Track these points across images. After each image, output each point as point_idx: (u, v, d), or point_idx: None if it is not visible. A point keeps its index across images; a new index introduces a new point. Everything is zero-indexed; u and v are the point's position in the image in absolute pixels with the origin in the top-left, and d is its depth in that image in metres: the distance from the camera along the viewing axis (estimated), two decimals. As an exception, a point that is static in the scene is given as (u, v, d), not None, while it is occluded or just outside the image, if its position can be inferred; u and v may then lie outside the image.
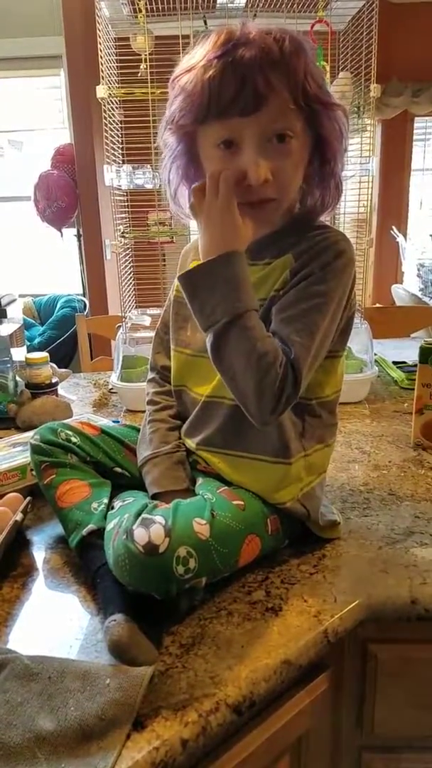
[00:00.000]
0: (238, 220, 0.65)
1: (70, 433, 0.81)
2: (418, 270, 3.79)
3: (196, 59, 0.64)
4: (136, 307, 1.47)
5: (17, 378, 1.25)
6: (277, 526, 0.72)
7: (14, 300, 1.26)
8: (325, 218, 0.75)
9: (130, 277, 1.44)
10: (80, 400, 1.39)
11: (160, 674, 0.56)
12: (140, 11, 1.15)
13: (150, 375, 0.90)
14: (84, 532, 0.70)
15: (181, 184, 0.74)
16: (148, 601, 0.59)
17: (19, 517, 0.75)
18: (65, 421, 0.85)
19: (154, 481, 0.77)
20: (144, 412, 0.87)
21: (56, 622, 0.64)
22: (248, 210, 0.67)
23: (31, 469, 0.84)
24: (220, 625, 0.63)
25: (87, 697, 0.51)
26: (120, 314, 1.40)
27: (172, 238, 1.46)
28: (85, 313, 3.20)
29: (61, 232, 3.17)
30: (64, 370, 1.43)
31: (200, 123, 0.66)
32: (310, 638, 0.61)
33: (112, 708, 0.50)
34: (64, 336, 3.16)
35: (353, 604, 0.66)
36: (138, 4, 1.15)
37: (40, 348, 2.98)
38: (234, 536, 0.66)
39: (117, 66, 1.29)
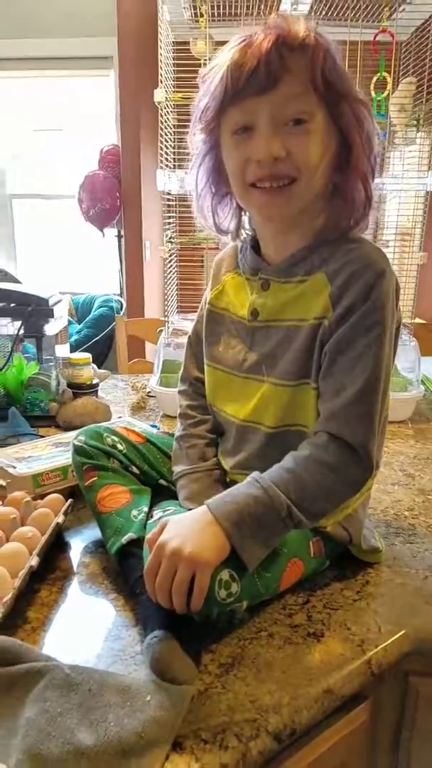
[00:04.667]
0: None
1: (116, 438, 0.81)
2: (461, 286, 3.70)
3: (222, 56, 0.63)
4: (177, 312, 1.47)
5: (60, 377, 1.25)
6: (320, 548, 0.71)
7: (61, 300, 1.27)
8: (362, 230, 0.71)
9: (174, 282, 1.44)
10: (118, 402, 1.40)
11: (199, 694, 0.55)
12: (202, 16, 1.14)
13: (181, 386, 0.88)
14: (123, 540, 0.69)
15: (206, 188, 0.72)
16: (187, 617, 0.58)
17: (60, 519, 0.74)
18: (110, 425, 0.85)
19: (189, 496, 0.76)
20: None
21: (94, 629, 0.63)
22: (265, 196, 0.65)
23: (72, 470, 0.84)
24: (260, 647, 0.61)
25: (127, 713, 0.49)
26: (160, 318, 1.40)
27: (218, 244, 1.45)
28: (122, 314, 3.22)
29: (102, 232, 3.20)
30: (103, 371, 1.44)
31: (221, 113, 0.64)
32: (353, 668, 0.59)
33: (152, 726, 0.49)
34: (101, 335, 3.19)
35: (398, 635, 0.63)
36: (200, 9, 1.15)
37: (76, 346, 3.01)
38: (277, 560, 0.64)
39: (174, 70, 1.29)
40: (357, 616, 0.66)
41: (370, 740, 0.67)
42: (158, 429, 0.96)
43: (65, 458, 0.88)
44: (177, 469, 0.80)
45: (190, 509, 0.73)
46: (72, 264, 3.77)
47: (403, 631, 0.64)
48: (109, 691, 0.51)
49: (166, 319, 1.37)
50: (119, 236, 3.31)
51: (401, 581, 0.72)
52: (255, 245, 0.76)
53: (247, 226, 0.77)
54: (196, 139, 0.70)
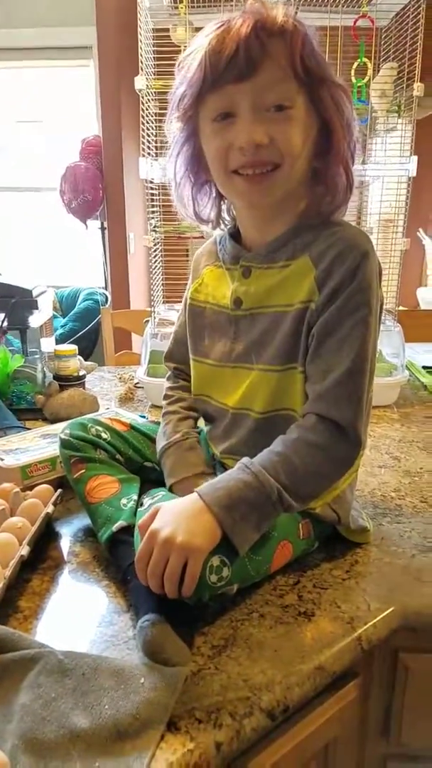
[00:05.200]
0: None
1: (100, 428, 0.81)
2: (444, 273, 3.74)
3: (198, 41, 0.63)
4: (164, 302, 1.46)
5: (45, 369, 1.25)
6: (309, 530, 0.71)
7: (45, 291, 1.26)
8: (342, 214, 0.71)
9: (160, 272, 1.43)
10: (105, 394, 1.39)
11: (193, 675, 0.55)
12: (182, 2, 1.13)
13: (167, 373, 0.90)
14: (114, 528, 0.70)
15: (185, 177, 0.72)
16: (178, 600, 0.59)
17: (50, 509, 0.74)
18: (95, 417, 0.85)
19: (169, 472, 0.77)
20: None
21: (86, 617, 0.64)
22: (248, 183, 0.64)
23: (60, 462, 0.84)
24: (251, 627, 0.62)
25: (121, 696, 0.50)
26: (146, 308, 1.40)
27: (203, 233, 1.44)
28: (107, 306, 3.20)
29: (86, 224, 3.17)
30: (89, 363, 1.43)
31: (200, 100, 0.64)
32: (344, 645, 0.60)
33: (146, 708, 0.49)
34: (86, 328, 3.17)
35: (387, 611, 0.64)
36: (179, -5, 1.14)
37: (61, 340, 2.99)
38: (267, 543, 0.65)
39: (154, 57, 1.28)
40: (346, 594, 0.67)
41: (361, 715, 0.69)
42: (146, 419, 0.97)
43: (53, 449, 0.88)
44: (157, 448, 0.82)
45: (172, 485, 0.75)
46: (55, 257, 3.73)
47: (391, 608, 0.65)
48: (103, 675, 0.52)
49: (152, 309, 1.37)
50: (103, 228, 3.28)
51: (389, 560, 0.73)
52: (234, 234, 0.76)
53: (226, 215, 0.77)
54: (173, 128, 0.69)
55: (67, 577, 0.70)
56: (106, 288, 3.39)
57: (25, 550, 0.65)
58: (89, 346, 3.20)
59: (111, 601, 0.66)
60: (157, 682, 0.51)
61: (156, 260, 1.39)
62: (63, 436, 0.80)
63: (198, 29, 1.29)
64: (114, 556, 0.70)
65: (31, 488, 0.81)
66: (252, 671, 0.56)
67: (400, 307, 1.38)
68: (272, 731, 0.57)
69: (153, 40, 1.28)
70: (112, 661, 0.54)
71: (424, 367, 1.51)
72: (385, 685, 0.70)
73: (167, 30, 1.30)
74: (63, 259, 3.72)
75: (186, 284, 0.86)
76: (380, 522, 0.82)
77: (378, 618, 0.64)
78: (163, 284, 1.47)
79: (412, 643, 0.67)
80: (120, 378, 1.50)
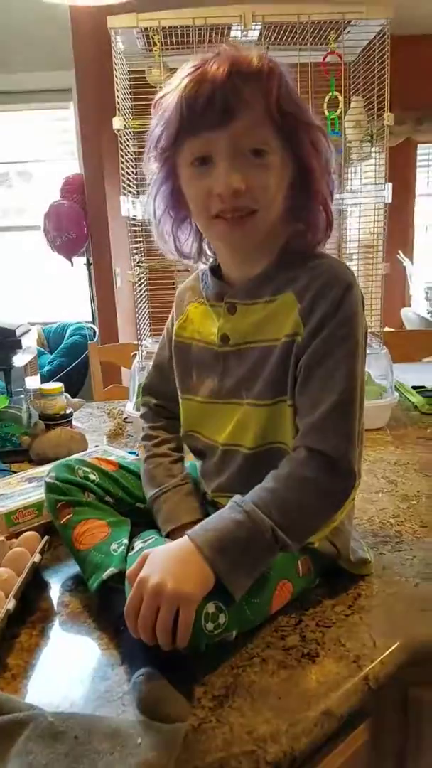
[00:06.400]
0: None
1: (87, 470, 0.79)
2: (426, 293, 3.82)
3: (174, 82, 0.63)
4: (150, 335, 1.46)
5: (31, 409, 1.23)
6: (308, 566, 0.69)
7: (29, 330, 1.25)
8: (322, 248, 0.71)
9: (146, 306, 1.43)
10: (94, 431, 1.37)
11: (194, 729, 0.52)
12: (155, 44, 1.16)
13: (142, 410, 0.88)
14: (104, 576, 0.67)
15: (165, 214, 0.72)
16: (173, 650, 0.56)
17: (37, 558, 0.72)
18: (81, 457, 0.83)
19: (166, 518, 0.75)
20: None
21: (78, 672, 0.60)
22: (228, 227, 0.64)
23: (47, 507, 0.81)
24: (254, 673, 0.59)
25: (117, 759, 0.47)
26: (133, 342, 1.39)
27: (188, 266, 1.45)
28: (95, 340, 3.20)
29: (71, 261, 3.19)
30: (77, 399, 1.41)
31: (177, 144, 0.64)
32: (350, 686, 0.57)
33: (145, 771, 0.46)
34: (74, 364, 3.15)
35: (393, 647, 0.62)
36: (153, 38, 1.16)
37: (49, 376, 2.97)
38: (265, 584, 0.62)
39: (131, 98, 1.30)
40: (351, 631, 0.64)
41: (375, 757, 0.65)
42: (137, 455, 0.95)
43: (39, 494, 0.85)
44: (148, 494, 0.79)
45: (170, 531, 0.72)
46: (43, 294, 3.74)
47: (397, 643, 0.62)
48: (97, 736, 0.49)
49: (140, 343, 1.36)
50: (89, 264, 3.30)
51: (392, 591, 0.71)
52: (215, 269, 0.76)
53: (207, 249, 0.77)
54: (150, 167, 0.70)
55: (57, 630, 0.67)
56: (93, 322, 3.39)
57: (11, 604, 0.62)
58: (79, 381, 3.18)
59: (104, 654, 0.63)
60: (155, 741, 0.48)
61: (141, 294, 1.39)
62: (48, 480, 0.77)
63: (172, 70, 1.31)
64: (105, 606, 0.67)
65: (17, 536, 0.78)
66: (256, 722, 0.53)
67: (386, 328, 1.38)
68: (280, 785, 0.54)
69: (129, 81, 1.31)
70: (107, 721, 0.51)
71: (414, 387, 1.51)
72: (397, 723, 0.67)
73: (143, 71, 1.33)
74: (50, 295, 3.73)
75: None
76: (381, 551, 0.80)
77: (384, 654, 0.61)
78: (149, 317, 1.47)
79: (422, 676, 0.65)
80: (109, 413, 1.48)
